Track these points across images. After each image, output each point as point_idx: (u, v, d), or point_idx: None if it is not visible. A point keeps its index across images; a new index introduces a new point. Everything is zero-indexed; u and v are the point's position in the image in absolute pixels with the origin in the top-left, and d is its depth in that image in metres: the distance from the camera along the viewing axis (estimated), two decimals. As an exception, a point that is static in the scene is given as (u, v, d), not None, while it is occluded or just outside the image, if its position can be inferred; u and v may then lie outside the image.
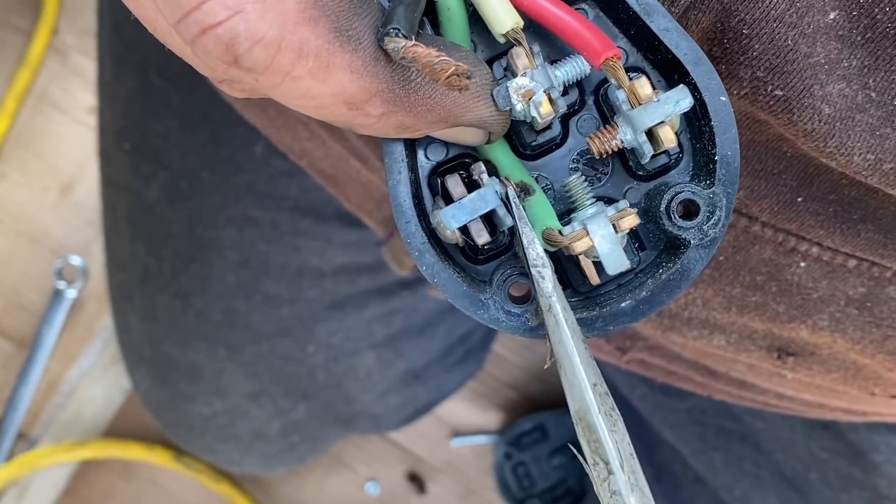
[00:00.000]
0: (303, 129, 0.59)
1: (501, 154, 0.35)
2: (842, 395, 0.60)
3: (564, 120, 0.37)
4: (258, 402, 0.90)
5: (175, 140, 0.79)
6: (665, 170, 0.36)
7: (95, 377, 1.18)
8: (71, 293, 1.16)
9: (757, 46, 0.38)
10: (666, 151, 0.35)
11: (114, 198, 0.88)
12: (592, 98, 0.37)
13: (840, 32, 0.37)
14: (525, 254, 0.33)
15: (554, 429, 1.17)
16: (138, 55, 0.79)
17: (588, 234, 0.33)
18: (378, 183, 0.58)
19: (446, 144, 0.36)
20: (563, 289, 0.35)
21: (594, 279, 0.35)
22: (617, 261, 0.34)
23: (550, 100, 0.33)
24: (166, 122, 0.79)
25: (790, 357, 0.54)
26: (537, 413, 1.19)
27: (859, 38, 0.37)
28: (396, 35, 0.29)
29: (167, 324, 0.87)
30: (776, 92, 0.38)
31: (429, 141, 0.36)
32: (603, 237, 0.33)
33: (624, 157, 0.37)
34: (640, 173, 0.37)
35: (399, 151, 0.35)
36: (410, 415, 1.01)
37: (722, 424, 0.82)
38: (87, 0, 1.24)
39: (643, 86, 0.33)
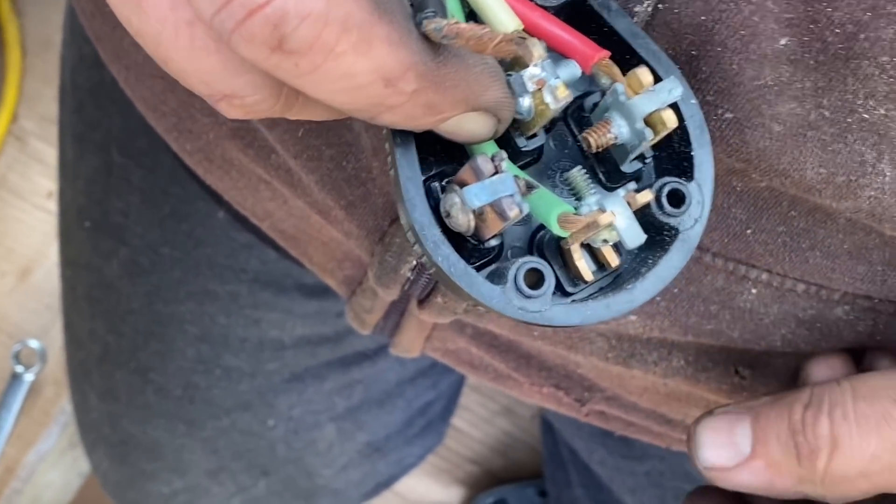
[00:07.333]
0: (265, 188, 0.60)
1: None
2: None
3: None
4: (218, 478, 0.90)
5: (135, 216, 0.80)
6: (637, 177, 0.39)
7: (53, 461, 1.17)
8: (29, 377, 1.15)
9: (705, 69, 0.40)
10: (642, 156, 0.38)
11: (73, 277, 0.89)
12: (562, 117, 0.39)
13: (792, 57, 0.39)
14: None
15: (516, 502, 1.17)
16: (100, 134, 0.80)
17: (605, 211, 0.35)
18: (339, 240, 0.60)
19: (433, 157, 0.37)
20: (552, 293, 0.36)
21: (588, 275, 0.37)
22: (636, 234, 0.36)
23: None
24: (127, 199, 0.80)
25: (748, 370, 0.56)
26: (499, 487, 1.19)
27: (812, 62, 0.39)
28: (435, 16, 0.31)
29: (126, 401, 0.87)
30: (726, 115, 0.40)
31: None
32: (620, 213, 0.35)
33: (595, 171, 0.39)
34: (613, 184, 0.39)
35: (413, 148, 0.36)
36: (371, 489, 1.01)
37: (680, 487, 0.83)
38: (46, 88, 1.26)
39: (644, 73, 0.35)
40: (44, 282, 1.21)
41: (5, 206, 1.23)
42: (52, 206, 1.22)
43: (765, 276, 0.48)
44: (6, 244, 1.22)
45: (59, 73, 0.87)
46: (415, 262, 0.52)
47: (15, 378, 1.15)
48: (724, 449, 0.46)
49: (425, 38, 0.31)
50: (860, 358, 0.52)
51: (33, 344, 1.17)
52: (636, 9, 0.40)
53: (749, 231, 0.47)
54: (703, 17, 0.39)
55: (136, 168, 0.78)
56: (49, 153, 1.24)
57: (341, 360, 0.87)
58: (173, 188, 0.77)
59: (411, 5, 0.32)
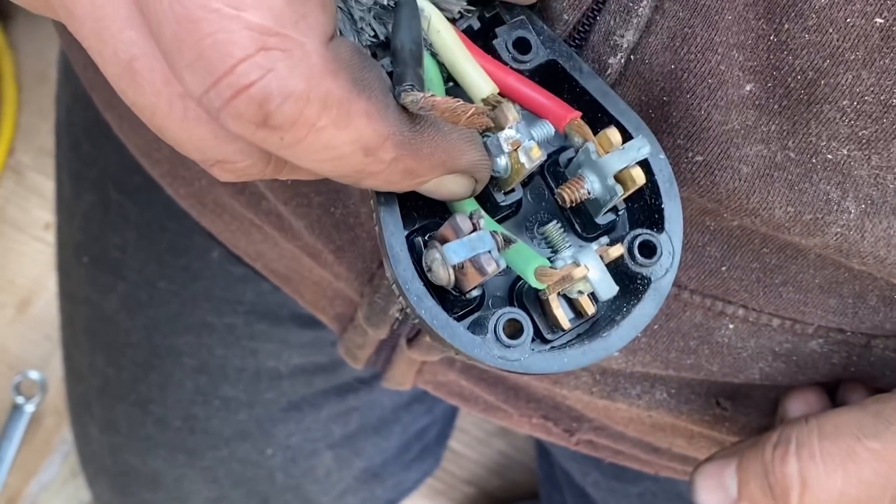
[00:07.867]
0: (256, 231, 0.62)
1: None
2: None
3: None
4: (218, 508, 0.91)
5: (133, 252, 0.81)
6: (611, 228, 0.40)
7: (55, 491, 1.18)
8: (29, 408, 1.16)
9: (675, 114, 0.42)
10: (615, 208, 0.40)
11: (73, 311, 0.90)
12: (539, 172, 0.41)
13: (757, 102, 0.41)
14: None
15: (513, 523, 1.18)
16: (96, 171, 0.82)
17: (579, 265, 0.37)
18: (330, 280, 0.61)
19: (416, 213, 0.39)
20: (532, 340, 0.38)
21: (565, 324, 0.38)
22: (609, 287, 0.37)
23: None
24: (124, 235, 0.81)
25: (729, 402, 0.58)
26: (496, 508, 1.20)
27: (776, 107, 0.41)
28: (412, 90, 0.32)
29: (127, 433, 0.88)
30: (696, 158, 0.42)
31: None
32: (594, 266, 0.37)
33: (571, 223, 0.41)
34: (588, 235, 0.41)
35: (396, 207, 0.38)
36: (369, 515, 1.02)
37: (672, 507, 0.84)
38: (42, 121, 1.28)
39: (613, 133, 0.37)
40: (43, 312, 1.22)
41: (4, 238, 1.25)
42: (50, 237, 1.23)
43: (741, 311, 0.50)
44: (5, 276, 1.24)
45: (55, 111, 0.89)
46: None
47: (16, 409, 1.17)
48: (715, 493, 0.49)
49: (403, 108, 0.33)
50: (835, 390, 0.54)
51: (33, 375, 1.18)
52: (609, 61, 0.42)
53: (724, 268, 0.48)
54: (672, 67, 0.41)
55: (132, 205, 0.80)
56: (46, 185, 1.26)
57: (337, 388, 0.88)
58: (169, 223, 0.79)
59: (390, 77, 0.34)
